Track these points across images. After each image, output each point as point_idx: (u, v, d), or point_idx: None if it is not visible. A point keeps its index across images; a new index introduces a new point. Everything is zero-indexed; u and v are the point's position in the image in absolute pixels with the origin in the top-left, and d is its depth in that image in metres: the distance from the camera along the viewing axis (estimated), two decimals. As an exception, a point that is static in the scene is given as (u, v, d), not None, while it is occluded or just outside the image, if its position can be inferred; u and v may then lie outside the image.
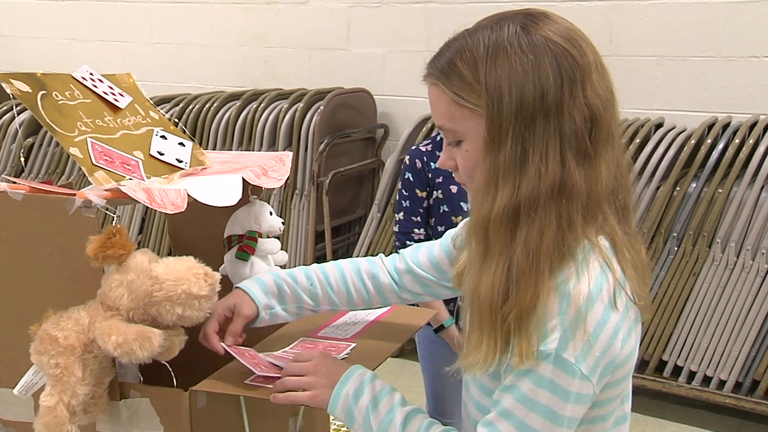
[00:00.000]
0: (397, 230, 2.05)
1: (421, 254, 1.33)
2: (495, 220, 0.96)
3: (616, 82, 1.01)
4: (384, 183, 3.54)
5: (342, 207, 3.80)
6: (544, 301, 0.92)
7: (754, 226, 2.76)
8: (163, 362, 1.14)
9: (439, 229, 2.01)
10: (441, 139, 2.01)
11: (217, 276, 1.12)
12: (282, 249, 1.50)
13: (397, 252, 1.94)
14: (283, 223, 1.45)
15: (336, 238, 3.80)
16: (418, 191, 2.01)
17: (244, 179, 1.28)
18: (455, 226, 1.97)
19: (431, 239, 2.02)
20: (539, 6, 3.25)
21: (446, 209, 2.00)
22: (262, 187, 1.34)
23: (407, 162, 2.03)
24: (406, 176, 2.03)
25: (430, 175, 2.01)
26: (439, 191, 2.00)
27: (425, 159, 2.01)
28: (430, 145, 2.04)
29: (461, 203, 1.98)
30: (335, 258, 3.70)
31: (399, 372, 3.25)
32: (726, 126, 3.00)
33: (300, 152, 3.65)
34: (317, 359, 1.12)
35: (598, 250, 0.97)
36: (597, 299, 0.93)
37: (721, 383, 2.88)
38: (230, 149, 3.80)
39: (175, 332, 1.10)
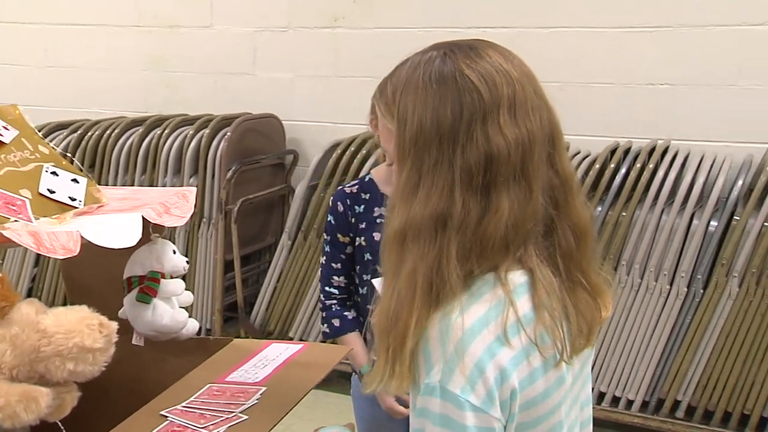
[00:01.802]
0: (319, 275, 1.92)
1: None
2: (388, 243, 0.97)
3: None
4: (294, 210, 3.48)
5: (251, 235, 3.71)
6: (419, 333, 0.91)
7: (656, 248, 2.84)
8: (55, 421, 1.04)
9: (364, 278, 1.85)
10: (369, 180, 1.87)
11: (114, 326, 1.04)
12: (190, 279, 1.42)
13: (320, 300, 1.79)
14: (187, 262, 1.37)
15: (245, 267, 3.70)
16: (340, 236, 1.86)
17: (144, 218, 1.21)
18: (380, 276, 1.87)
19: (358, 288, 1.89)
20: (442, 32, 3.28)
21: (369, 257, 1.83)
22: (164, 225, 1.26)
23: (330, 204, 1.89)
24: (328, 219, 1.88)
25: (353, 220, 1.85)
26: (362, 238, 1.84)
27: (348, 202, 1.85)
28: (356, 187, 1.87)
29: None
30: (246, 287, 3.66)
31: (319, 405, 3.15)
32: (627, 151, 3.09)
33: (207, 180, 3.54)
34: None
35: (501, 285, 0.94)
36: (479, 333, 0.91)
37: (629, 403, 2.94)
38: (133, 177, 3.67)
39: (67, 389, 1.01)
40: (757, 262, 2.71)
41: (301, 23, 3.77)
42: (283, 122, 3.79)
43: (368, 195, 1.85)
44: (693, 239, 2.79)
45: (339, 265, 1.87)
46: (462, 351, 0.90)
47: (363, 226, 1.84)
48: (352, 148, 3.38)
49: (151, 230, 1.31)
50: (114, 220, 1.19)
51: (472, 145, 0.93)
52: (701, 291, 2.81)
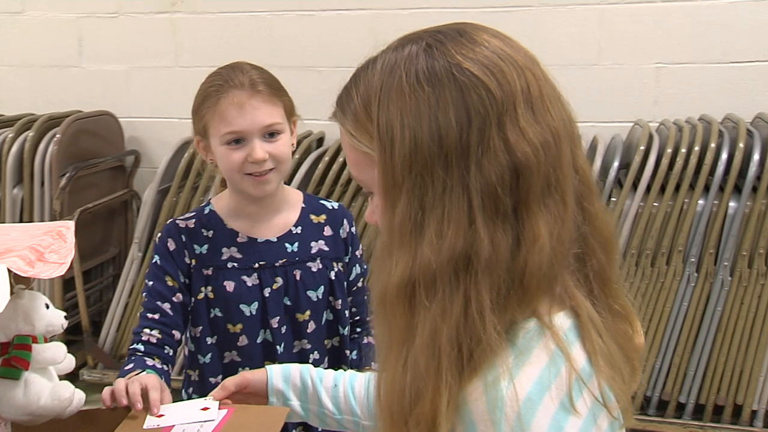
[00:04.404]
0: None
1: None
2: (390, 301, 0.75)
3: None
4: (143, 218, 3.10)
5: (90, 247, 3.28)
6: (453, 414, 0.71)
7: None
8: None
9: (208, 341, 1.46)
10: (210, 212, 1.49)
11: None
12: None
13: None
14: (66, 317, 1.06)
15: (87, 284, 3.27)
16: (169, 279, 1.44)
17: (10, 270, 0.89)
18: (233, 338, 1.45)
19: (196, 356, 1.47)
20: (294, 16, 2.95)
21: (219, 314, 1.45)
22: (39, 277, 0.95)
23: (157, 240, 1.48)
24: (153, 260, 1.46)
25: (192, 263, 1.45)
26: (209, 288, 1.44)
27: (183, 239, 1.45)
28: (193, 220, 1.47)
29: (241, 306, 1.44)
30: (89, 306, 3.23)
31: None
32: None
33: (35, 189, 3.10)
34: None
35: (550, 333, 0.75)
36: (540, 402, 0.72)
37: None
38: (-61, 191, 3.12)
39: None
40: (635, 242, 2.71)
41: (134, 8, 3.37)
42: (120, 120, 3.38)
43: (211, 232, 1.47)
44: (574, 223, 2.75)
45: (157, 316, 1.42)
46: (524, 429, 0.70)
47: (209, 272, 1.45)
48: (206, 146, 3.05)
49: (12, 281, 0.99)
50: (-32, 278, 0.87)
51: (490, 158, 0.72)
52: (584, 275, 2.78)
